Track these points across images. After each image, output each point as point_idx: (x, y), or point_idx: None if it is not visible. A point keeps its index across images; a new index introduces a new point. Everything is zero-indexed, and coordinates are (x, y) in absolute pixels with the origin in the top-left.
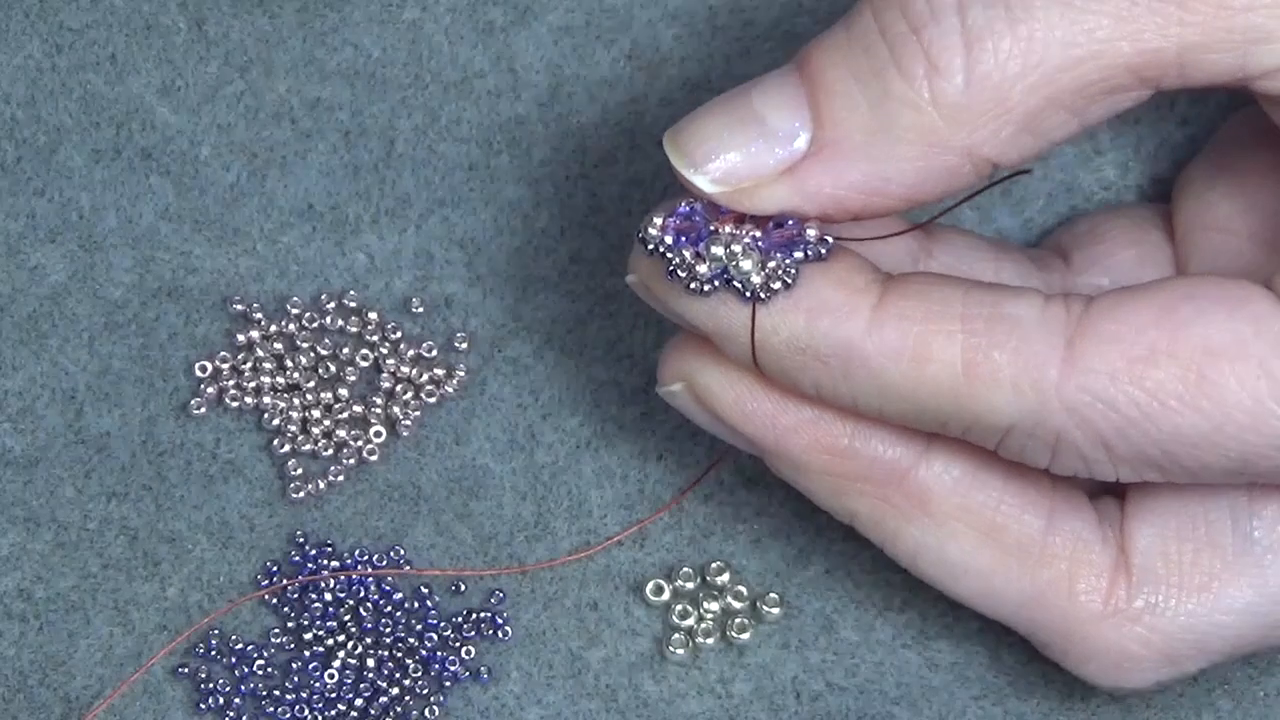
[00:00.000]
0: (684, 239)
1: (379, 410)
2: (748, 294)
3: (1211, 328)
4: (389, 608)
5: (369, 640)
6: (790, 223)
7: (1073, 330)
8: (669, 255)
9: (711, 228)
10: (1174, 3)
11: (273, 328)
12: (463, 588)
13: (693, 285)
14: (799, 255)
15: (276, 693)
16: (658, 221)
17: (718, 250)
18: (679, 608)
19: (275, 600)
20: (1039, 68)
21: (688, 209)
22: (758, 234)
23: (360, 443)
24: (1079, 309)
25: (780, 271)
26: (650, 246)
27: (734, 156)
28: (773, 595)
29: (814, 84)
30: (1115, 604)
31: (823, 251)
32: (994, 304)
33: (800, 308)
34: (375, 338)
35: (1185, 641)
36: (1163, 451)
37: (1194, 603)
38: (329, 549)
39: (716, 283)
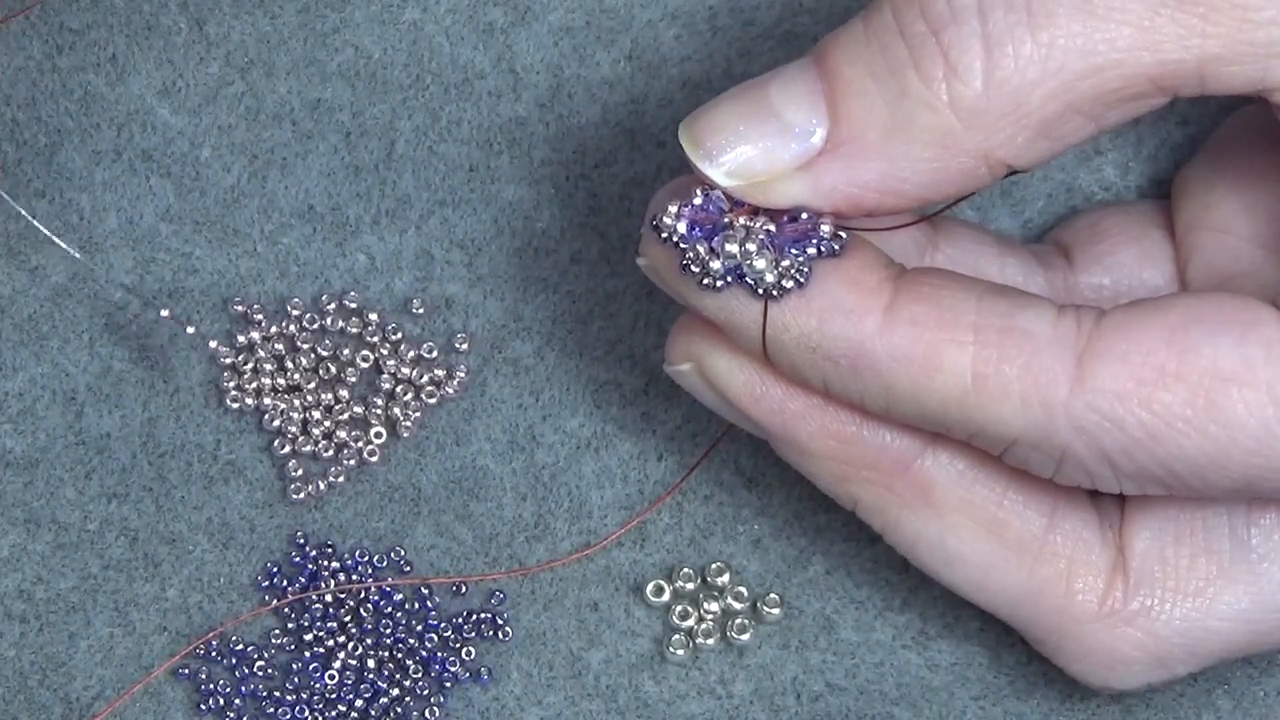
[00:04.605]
0: (698, 230)
1: (379, 411)
2: (760, 291)
3: (1220, 351)
4: (389, 609)
5: (369, 641)
6: (804, 216)
7: (1083, 347)
8: (683, 247)
9: (726, 220)
10: (1196, 14)
11: (273, 329)
12: (463, 589)
13: (705, 281)
14: (812, 251)
15: (277, 694)
16: (672, 210)
17: (732, 247)
18: (679, 608)
19: (275, 600)
20: (1058, 74)
21: (703, 199)
22: (771, 228)
23: (360, 444)
24: (1090, 324)
25: (794, 270)
26: (664, 235)
27: (749, 150)
28: (773, 596)
29: (831, 80)
30: (1111, 605)
31: (836, 247)
32: (1006, 314)
33: (812, 308)
34: (375, 339)
35: (1178, 645)
36: (1167, 471)
37: (1188, 607)
38: (329, 550)
39: (730, 278)
